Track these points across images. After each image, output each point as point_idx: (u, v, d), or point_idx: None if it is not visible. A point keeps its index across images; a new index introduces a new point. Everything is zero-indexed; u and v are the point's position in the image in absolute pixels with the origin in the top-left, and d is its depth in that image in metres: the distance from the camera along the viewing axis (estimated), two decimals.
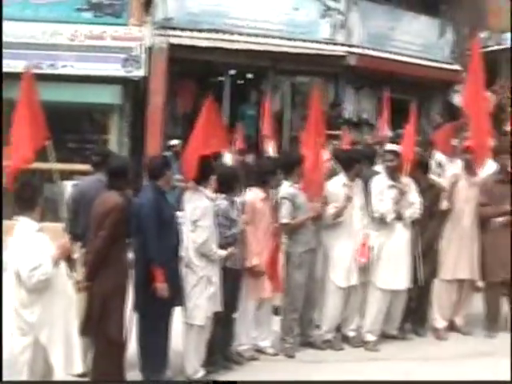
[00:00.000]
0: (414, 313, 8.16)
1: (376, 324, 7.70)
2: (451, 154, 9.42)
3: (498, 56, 33.23)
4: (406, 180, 7.65)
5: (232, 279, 6.93)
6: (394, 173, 7.67)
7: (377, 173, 7.92)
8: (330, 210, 7.48)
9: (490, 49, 32.10)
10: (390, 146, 7.93)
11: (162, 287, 6.13)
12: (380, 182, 7.70)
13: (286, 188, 7.47)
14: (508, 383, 6.43)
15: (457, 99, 19.47)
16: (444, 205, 7.96)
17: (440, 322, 8.08)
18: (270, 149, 11.50)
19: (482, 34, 31.17)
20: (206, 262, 6.57)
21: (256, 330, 7.41)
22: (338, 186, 7.60)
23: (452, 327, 8.20)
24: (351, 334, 7.79)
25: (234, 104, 15.72)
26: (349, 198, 7.45)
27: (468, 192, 8.05)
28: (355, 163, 7.68)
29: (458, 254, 7.99)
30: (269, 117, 12.42)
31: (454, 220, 8.04)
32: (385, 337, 7.89)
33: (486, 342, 7.95)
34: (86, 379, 6.18)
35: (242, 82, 16.44)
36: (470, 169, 8.09)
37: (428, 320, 8.23)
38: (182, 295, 6.51)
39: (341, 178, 7.65)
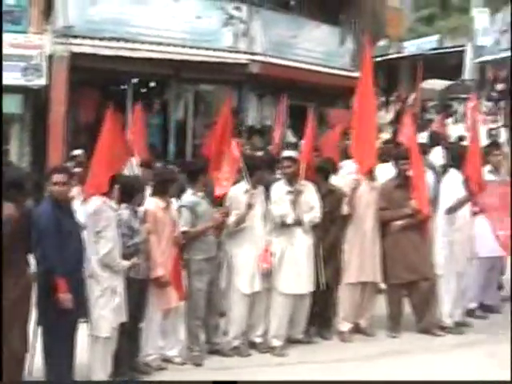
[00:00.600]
0: (318, 316, 8.23)
1: (281, 329, 7.75)
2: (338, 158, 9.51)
3: (398, 64, 34.34)
4: (304, 184, 7.76)
5: (137, 289, 6.88)
6: (292, 179, 7.74)
7: (278, 179, 8.00)
8: (232, 217, 7.51)
9: (389, 57, 33.32)
10: (287, 153, 8.02)
11: (64, 298, 6.05)
12: (279, 188, 7.79)
13: (188, 196, 7.48)
14: (508, 383, 6.59)
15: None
16: (345, 209, 8.07)
17: (345, 325, 8.19)
18: None
19: (382, 43, 32.26)
20: (110, 272, 6.52)
21: (163, 339, 7.36)
22: (239, 193, 7.64)
23: (357, 329, 8.31)
24: (258, 339, 7.81)
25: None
26: (250, 205, 7.50)
27: (368, 197, 8.17)
28: (256, 170, 7.74)
29: (361, 258, 8.11)
30: None
31: (355, 224, 8.15)
32: (291, 341, 7.94)
33: (390, 343, 8.11)
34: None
35: (145, 90, 16.35)
36: (369, 174, 8.24)
37: (333, 323, 8.32)
38: (87, 307, 6.42)
39: (242, 185, 7.71)
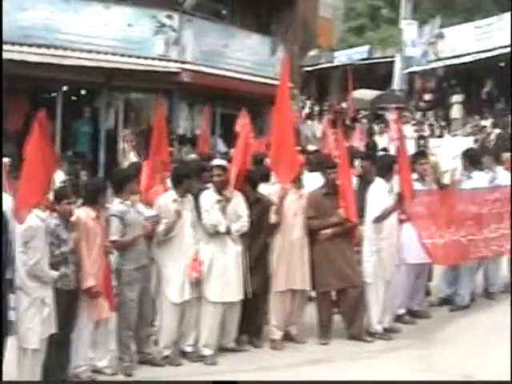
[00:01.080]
0: (249, 324, 8.26)
1: (212, 338, 7.75)
2: None
3: (329, 73, 34.77)
4: (233, 192, 7.82)
5: (66, 300, 6.81)
6: (221, 188, 7.78)
7: (207, 188, 8.01)
8: (161, 225, 7.50)
9: (320, 66, 33.72)
10: (216, 161, 8.06)
11: None
12: (208, 197, 7.81)
13: (116, 205, 7.44)
14: (508, 383, 6.67)
15: None
16: (272, 218, 8.11)
17: (275, 333, 8.22)
18: None
19: (313, 53, 32.67)
20: (38, 283, 6.44)
21: (93, 350, 7.28)
22: (168, 201, 7.64)
23: (288, 337, 8.36)
24: (189, 349, 7.79)
25: (67, 121, 15.44)
26: (178, 214, 7.50)
27: (296, 205, 8.22)
28: (184, 179, 7.75)
29: (289, 266, 8.14)
30: None
31: (283, 233, 8.18)
32: (223, 350, 7.96)
33: (320, 350, 8.18)
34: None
35: (76, 98, 16.17)
36: (296, 182, 8.28)
37: (264, 331, 8.36)
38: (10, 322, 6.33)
39: (171, 194, 7.71)
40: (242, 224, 7.79)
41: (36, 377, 6.51)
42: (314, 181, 8.68)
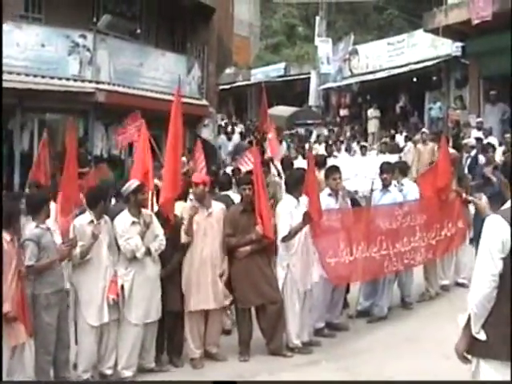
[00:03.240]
0: (168, 344, 8.25)
1: (132, 359, 7.69)
2: None
3: (246, 91, 35.05)
4: (149, 213, 7.81)
5: None
6: (136, 208, 7.75)
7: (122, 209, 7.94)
8: (77, 248, 7.41)
9: (237, 84, 33.96)
10: (133, 182, 7.97)
11: None
12: (123, 219, 7.75)
13: (32, 229, 7.32)
14: (508, 383, 6.67)
15: (205, 132, 20.24)
16: (183, 238, 8.07)
17: (194, 352, 8.20)
18: None
19: (229, 70, 32.89)
20: None
21: (10, 377, 7.08)
22: (84, 223, 7.56)
23: (208, 354, 8.35)
24: (108, 371, 7.69)
25: None
26: (94, 236, 7.43)
27: (205, 223, 8.20)
28: (100, 201, 7.68)
29: (200, 286, 8.11)
30: None
31: (192, 252, 8.15)
32: (143, 371, 7.89)
33: (241, 366, 8.16)
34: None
35: None
36: (202, 201, 8.24)
37: (183, 350, 8.33)
38: None
39: (86, 216, 7.63)
40: (160, 243, 7.78)
41: None
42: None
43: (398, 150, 19.93)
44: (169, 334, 8.19)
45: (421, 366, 7.45)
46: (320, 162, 11.90)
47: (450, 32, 20.42)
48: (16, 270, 6.98)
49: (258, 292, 8.30)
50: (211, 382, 6.91)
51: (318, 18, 32.56)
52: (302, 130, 26.26)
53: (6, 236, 6.99)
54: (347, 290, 9.79)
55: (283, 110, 28.70)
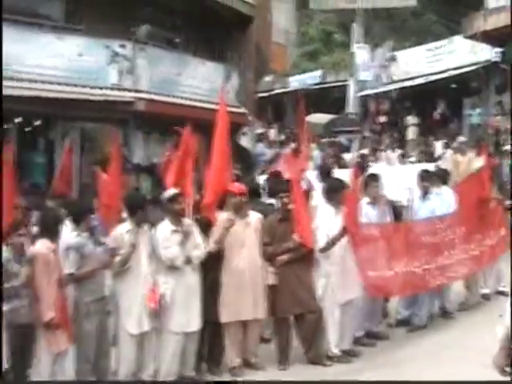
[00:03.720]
0: (208, 352, 8.28)
1: (172, 367, 7.72)
2: None
3: (283, 98, 35.02)
4: (189, 222, 7.81)
5: (21, 334, 6.73)
6: (175, 217, 7.78)
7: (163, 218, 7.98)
8: (117, 257, 7.47)
9: (275, 92, 33.92)
10: (173, 190, 7.98)
11: None
12: (164, 228, 7.79)
13: (73, 238, 7.41)
14: (508, 383, 6.65)
15: (244, 140, 20.27)
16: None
17: (234, 361, 8.21)
18: None
19: (267, 78, 32.87)
20: None
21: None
22: (122, 232, 7.62)
23: (247, 363, 8.35)
24: (148, 379, 7.74)
25: (21, 152, 15.30)
26: (133, 245, 7.48)
27: (243, 234, 8.19)
28: (138, 209, 7.72)
29: (236, 297, 8.08)
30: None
31: (229, 263, 8.14)
32: (182, 379, 7.90)
33: (280, 375, 8.17)
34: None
35: (30, 129, 16.05)
36: (239, 211, 8.22)
37: (223, 359, 8.34)
38: None
39: (126, 225, 7.69)
40: (201, 251, 7.80)
41: None
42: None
43: (431, 157, 19.72)
44: (209, 342, 8.22)
45: (461, 376, 7.36)
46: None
47: (489, 37, 20.17)
48: (59, 278, 7.10)
49: (296, 301, 8.28)
50: (213, 382, 6.90)
51: (354, 25, 32.39)
52: (341, 138, 26.08)
53: (49, 245, 7.10)
54: (386, 299, 9.73)
55: (320, 118, 28.53)
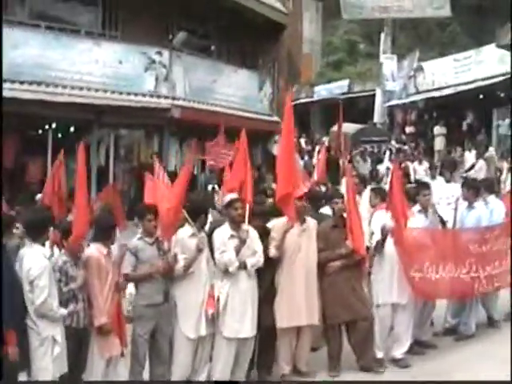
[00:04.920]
0: (259, 359, 8.21)
1: (225, 373, 7.65)
2: None
3: (308, 108, 35.05)
4: (246, 228, 7.73)
5: (76, 338, 6.71)
6: (236, 222, 7.72)
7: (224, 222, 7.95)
8: (181, 261, 7.42)
9: (302, 101, 33.95)
10: (232, 195, 7.94)
11: (13, 351, 5.85)
12: (222, 232, 7.73)
13: (134, 241, 7.44)
14: (508, 383, 6.61)
15: (276, 149, 20.23)
16: (272, 253, 7.97)
17: (285, 368, 8.16)
18: None
19: (294, 88, 32.94)
20: (47, 322, 6.34)
21: None
22: (185, 236, 7.57)
23: (297, 371, 8.29)
24: None
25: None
26: (199, 250, 7.45)
27: (299, 240, 8.13)
28: (201, 213, 7.71)
29: (292, 302, 8.02)
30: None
31: (285, 268, 8.08)
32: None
33: (331, 382, 8.14)
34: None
35: (65, 135, 16.11)
36: (299, 215, 8.17)
37: (273, 366, 8.28)
38: (28, 359, 6.23)
39: (187, 229, 7.64)
40: (258, 259, 7.72)
41: None
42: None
43: (454, 166, 19.60)
44: (260, 349, 8.16)
45: None
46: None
47: None
48: (112, 283, 7.09)
49: (348, 308, 8.24)
50: (212, 381, 6.85)
51: (382, 35, 32.44)
52: (371, 147, 26.04)
53: (103, 249, 7.09)
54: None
55: (348, 127, 28.48)
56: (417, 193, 9.24)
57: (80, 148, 7.43)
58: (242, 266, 7.62)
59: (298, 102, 33.51)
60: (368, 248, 8.49)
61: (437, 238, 8.97)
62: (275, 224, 8.17)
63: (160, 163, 11.04)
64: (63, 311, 6.48)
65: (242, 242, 7.61)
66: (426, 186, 9.37)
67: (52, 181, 10.07)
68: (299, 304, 8.05)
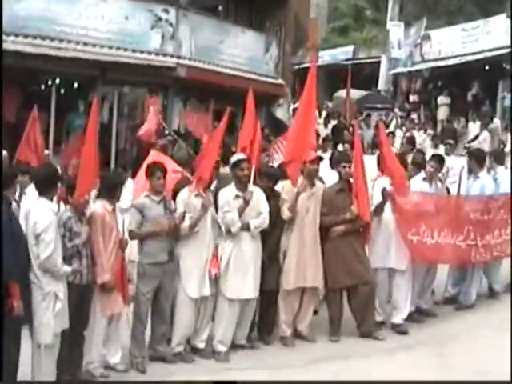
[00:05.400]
0: (260, 321, 8.22)
1: (227, 334, 7.66)
2: None
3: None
4: (253, 189, 7.67)
5: (79, 295, 6.68)
6: (243, 182, 7.64)
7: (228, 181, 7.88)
8: (186, 221, 7.35)
9: (303, 65, 33.66)
10: (240, 156, 7.86)
11: (17, 305, 5.82)
12: (227, 192, 7.66)
13: (141, 198, 7.40)
14: (508, 383, 6.63)
15: (280, 112, 20.14)
16: (286, 215, 7.97)
17: (286, 330, 8.16)
18: None
19: (300, 52, 32.64)
20: (50, 277, 6.28)
21: (105, 346, 7.14)
22: (190, 196, 7.49)
23: (297, 334, 8.29)
24: (202, 345, 7.70)
25: (60, 113, 15.25)
26: (204, 208, 7.38)
27: (307, 203, 8.11)
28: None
29: (299, 264, 8.03)
30: None
31: (294, 230, 8.08)
32: (233, 347, 7.85)
33: (332, 347, 8.15)
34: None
35: (69, 90, 15.94)
36: (309, 179, 8.17)
37: (274, 328, 8.28)
38: (30, 313, 6.20)
39: (192, 188, 7.56)
40: (262, 221, 7.67)
41: (49, 373, 6.40)
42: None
43: (454, 135, 19.55)
44: (262, 311, 8.16)
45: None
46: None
47: None
48: (116, 240, 7.04)
49: (350, 272, 8.24)
50: (211, 381, 6.86)
51: (390, 2, 32.09)
52: (380, 115, 25.87)
53: (108, 206, 7.04)
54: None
55: (352, 94, 28.21)
56: (424, 161, 9.21)
57: (94, 102, 7.39)
58: (246, 227, 7.58)
59: (302, 66, 33.27)
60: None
61: (437, 203, 8.96)
62: (285, 185, 8.12)
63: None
64: (67, 268, 6.41)
65: (246, 202, 7.55)
66: (439, 158, 9.35)
67: (27, 137, 10.04)
68: (305, 266, 8.05)
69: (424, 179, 9.12)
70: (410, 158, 10.17)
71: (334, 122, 20.28)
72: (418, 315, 9.06)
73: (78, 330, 6.78)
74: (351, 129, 14.41)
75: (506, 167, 10.63)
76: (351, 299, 8.41)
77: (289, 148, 8.42)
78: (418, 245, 8.62)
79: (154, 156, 9.16)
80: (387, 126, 22.10)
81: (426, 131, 21.58)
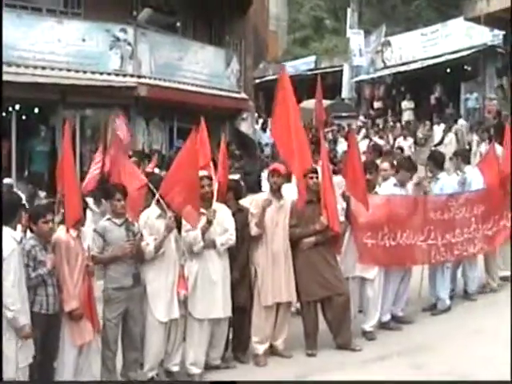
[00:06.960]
0: (234, 340, 8.06)
1: (199, 356, 7.50)
2: None
3: (275, 85, 34.73)
4: (217, 206, 7.56)
5: (47, 325, 6.50)
6: (205, 200, 7.50)
7: None
8: (150, 243, 7.19)
9: (266, 78, 33.69)
10: (203, 172, 7.73)
11: None
12: None
13: (102, 222, 7.23)
14: (508, 383, 6.53)
15: (244, 126, 20.08)
16: (254, 231, 7.87)
17: (259, 348, 8.00)
18: None
19: (260, 65, 32.69)
20: None
21: (76, 377, 6.92)
22: (152, 217, 7.36)
23: (273, 351, 8.14)
24: (175, 368, 7.52)
25: (22, 139, 15.02)
26: (168, 229, 7.23)
27: (276, 216, 8.02)
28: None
29: (274, 279, 7.92)
30: None
31: (265, 245, 7.97)
32: (208, 368, 7.69)
33: (309, 361, 7.98)
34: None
35: (30, 116, 15.72)
36: (276, 192, 8.10)
37: (249, 346, 8.12)
38: None
39: (154, 209, 7.42)
40: (229, 237, 7.55)
41: None
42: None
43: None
44: (235, 330, 8.00)
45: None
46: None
47: (491, 20, 19.99)
48: (82, 266, 6.85)
49: (323, 284, 8.10)
50: (210, 382, 6.71)
51: (349, 10, 32.29)
52: (343, 123, 25.93)
53: (73, 232, 6.86)
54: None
55: (314, 103, 28.37)
56: (399, 166, 9.21)
57: (66, 127, 7.33)
58: (211, 244, 7.44)
59: (264, 79, 33.28)
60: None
61: (400, 205, 8.89)
62: (254, 200, 8.02)
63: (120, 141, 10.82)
64: (22, 320, 6.14)
65: (209, 222, 7.41)
66: (411, 164, 9.33)
67: None
68: (279, 281, 7.93)
69: (395, 185, 9.07)
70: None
71: None
72: (395, 323, 8.95)
73: (47, 362, 6.58)
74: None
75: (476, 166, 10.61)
76: (326, 311, 8.25)
77: (292, 167, 8.27)
78: (372, 248, 8.56)
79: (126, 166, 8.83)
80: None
81: (405, 138, 21.65)
